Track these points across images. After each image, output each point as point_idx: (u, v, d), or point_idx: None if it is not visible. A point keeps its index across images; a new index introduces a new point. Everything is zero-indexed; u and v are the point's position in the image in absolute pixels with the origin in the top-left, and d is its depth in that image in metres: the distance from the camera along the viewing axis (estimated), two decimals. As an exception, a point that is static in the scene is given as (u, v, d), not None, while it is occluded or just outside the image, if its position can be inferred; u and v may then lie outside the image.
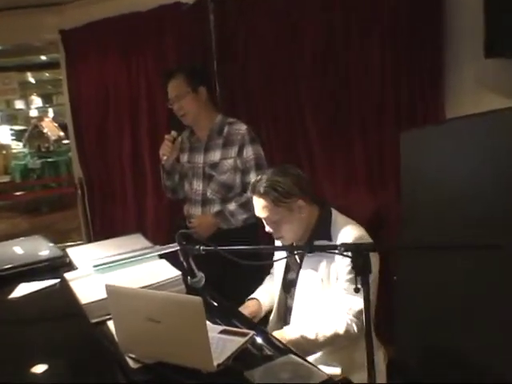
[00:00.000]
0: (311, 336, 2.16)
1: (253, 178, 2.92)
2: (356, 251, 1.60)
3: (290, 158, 3.59)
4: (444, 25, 2.93)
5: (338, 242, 2.18)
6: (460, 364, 2.48)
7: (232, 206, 3.05)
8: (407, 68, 3.05)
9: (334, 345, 2.21)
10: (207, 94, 3.15)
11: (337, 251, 1.66)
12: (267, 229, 2.36)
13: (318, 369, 1.75)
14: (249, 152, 3.05)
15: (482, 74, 2.84)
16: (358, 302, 2.12)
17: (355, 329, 2.14)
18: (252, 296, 2.60)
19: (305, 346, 2.14)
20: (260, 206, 2.30)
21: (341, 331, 2.16)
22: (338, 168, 3.47)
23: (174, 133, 3.16)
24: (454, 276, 2.45)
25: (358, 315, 2.14)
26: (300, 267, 2.36)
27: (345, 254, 1.64)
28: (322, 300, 2.27)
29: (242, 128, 3.08)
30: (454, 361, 2.50)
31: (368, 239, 2.24)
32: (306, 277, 2.32)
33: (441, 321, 2.55)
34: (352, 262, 1.59)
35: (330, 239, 2.26)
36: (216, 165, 3.09)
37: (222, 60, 3.89)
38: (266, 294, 2.62)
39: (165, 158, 3.16)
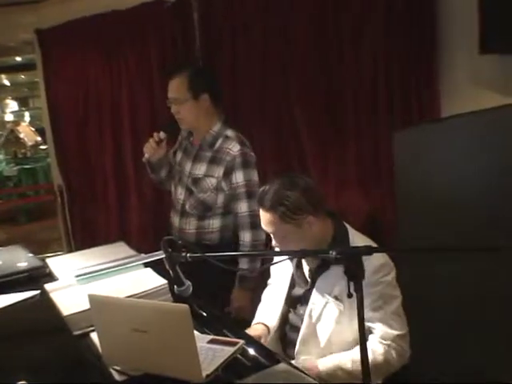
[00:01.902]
0: (347, 365, 2.12)
1: (243, 207, 2.94)
2: (348, 255, 1.62)
3: (281, 159, 3.62)
4: (437, 21, 2.96)
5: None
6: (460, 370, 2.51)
7: (244, 265, 2.93)
8: (401, 66, 3.07)
9: (374, 375, 2.09)
10: (210, 101, 3.03)
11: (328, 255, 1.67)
12: (274, 243, 2.27)
13: (312, 377, 1.77)
14: (239, 178, 2.95)
15: (476, 70, 2.87)
16: (389, 329, 2.12)
17: (394, 355, 2.11)
18: (259, 320, 2.47)
19: (341, 378, 2.11)
20: (266, 220, 2.20)
21: (379, 359, 2.10)
22: (330, 169, 3.48)
23: (162, 134, 3.09)
24: (452, 279, 2.48)
25: (396, 341, 2.12)
26: (312, 286, 2.29)
27: (337, 257, 1.65)
28: (343, 327, 2.21)
29: (234, 149, 2.95)
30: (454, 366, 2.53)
31: (390, 265, 2.18)
32: (322, 301, 2.25)
33: (438, 326, 2.58)
34: (345, 266, 1.61)
35: None
36: (197, 180, 3.03)
37: (207, 59, 3.90)
38: (272, 314, 2.49)
39: (146, 155, 3.12)
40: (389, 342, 2.12)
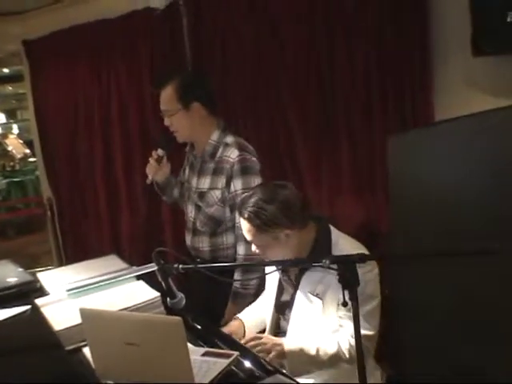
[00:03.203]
0: (312, 351, 2.18)
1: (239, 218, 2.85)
2: (342, 263, 1.64)
3: (274, 166, 3.62)
4: (430, 23, 2.98)
5: None
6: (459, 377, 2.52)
7: (238, 276, 2.84)
8: (393, 69, 3.09)
9: (334, 366, 2.23)
10: (204, 109, 2.91)
11: (321, 264, 1.69)
12: (253, 248, 2.35)
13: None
14: (237, 185, 2.82)
15: (470, 72, 2.90)
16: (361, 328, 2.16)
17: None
18: (238, 315, 2.60)
19: (302, 362, 2.17)
20: (245, 229, 2.30)
21: (345, 352, 2.19)
22: (324, 177, 3.50)
23: (160, 151, 3.03)
24: (450, 285, 2.49)
25: (363, 342, 2.16)
26: (296, 289, 2.37)
27: (331, 266, 1.67)
28: (322, 325, 2.28)
29: (233, 156, 2.83)
30: (452, 374, 2.54)
31: (372, 263, 2.25)
32: (304, 300, 2.32)
33: (438, 334, 2.59)
34: (338, 274, 1.63)
35: None
36: (203, 194, 2.93)
37: (198, 65, 3.92)
38: (253, 314, 2.62)
39: (149, 177, 3.06)
40: None
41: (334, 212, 3.41)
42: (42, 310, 2.37)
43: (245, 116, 3.75)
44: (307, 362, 2.20)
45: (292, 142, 3.58)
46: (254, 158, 2.90)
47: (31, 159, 9.06)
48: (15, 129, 10.71)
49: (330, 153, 3.44)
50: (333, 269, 1.65)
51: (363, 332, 2.13)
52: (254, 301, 2.76)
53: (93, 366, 1.88)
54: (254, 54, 3.62)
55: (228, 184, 2.86)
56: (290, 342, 2.22)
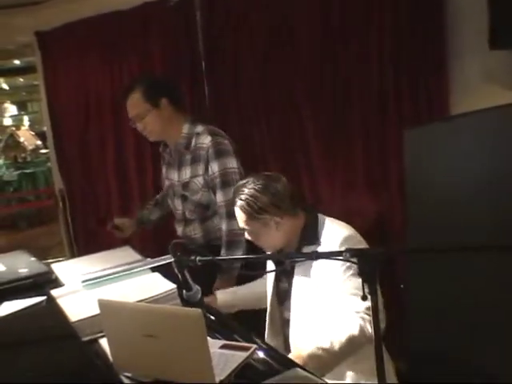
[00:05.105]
0: (326, 344, 2.15)
1: (219, 197, 2.95)
2: (363, 257, 1.62)
3: (287, 162, 3.62)
4: (446, 16, 2.96)
5: (327, 244, 2.26)
6: (474, 374, 2.50)
7: (223, 251, 2.93)
8: (409, 62, 3.08)
9: (353, 348, 2.19)
10: (171, 105, 3.05)
11: (342, 257, 1.68)
12: (246, 235, 2.44)
13: (326, 383, 1.77)
14: (214, 168, 2.95)
15: (487, 66, 2.88)
16: (360, 300, 2.14)
17: (369, 327, 2.11)
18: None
19: (323, 358, 2.13)
20: (238, 216, 2.39)
21: (355, 332, 2.14)
22: (337, 171, 3.49)
23: (116, 220, 3.39)
24: (466, 281, 2.47)
25: (368, 312, 2.11)
26: (292, 276, 2.39)
27: (351, 260, 1.66)
28: (321, 307, 2.28)
29: (206, 141, 2.96)
30: (467, 371, 2.52)
31: (357, 238, 2.30)
32: (300, 285, 2.35)
33: (453, 330, 2.57)
34: (359, 268, 1.61)
35: (318, 243, 2.30)
36: (187, 184, 3.06)
37: (210, 60, 3.91)
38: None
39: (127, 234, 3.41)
40: (362, 315, 2.15)
41: (346, 207, 3.39)
42: (58, 300, 2.37)
43: (257, 111, 3.74)
44: (326, 356, 2.15)
45: (305, 136, 3.57)
46: (227, 141, 3.02)
47: (42, 151, 9.06)
48: (26, 121, 10.70)
49: (343, 147, 3.43)
50: (353, 262, 1.64)
51: (367, 304, 2.12)
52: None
53: (109, 357, 1.87)
54: (267, 48, 3.60)
55: (207, 169, 2.98)
56: (304, 347, 2.17)
